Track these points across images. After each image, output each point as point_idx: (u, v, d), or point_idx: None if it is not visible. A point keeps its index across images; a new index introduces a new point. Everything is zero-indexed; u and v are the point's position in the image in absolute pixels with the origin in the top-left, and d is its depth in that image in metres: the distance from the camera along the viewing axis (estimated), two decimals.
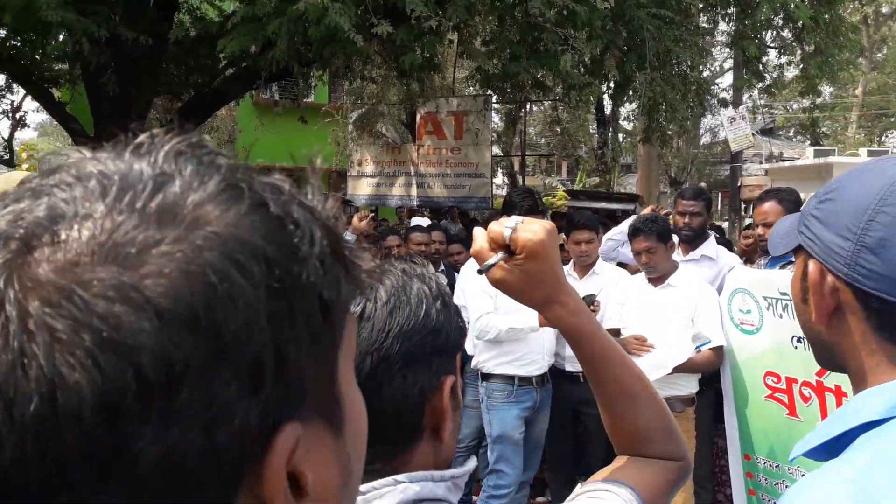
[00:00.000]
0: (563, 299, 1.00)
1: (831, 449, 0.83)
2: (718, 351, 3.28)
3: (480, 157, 11.62)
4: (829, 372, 2.63)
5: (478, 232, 1.02)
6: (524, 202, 3.63)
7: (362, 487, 0.80)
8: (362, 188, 12.27)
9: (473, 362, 3.81)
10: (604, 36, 6.56)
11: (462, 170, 11.68)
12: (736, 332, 3.19)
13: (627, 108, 14.56)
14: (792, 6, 7.29)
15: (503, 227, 0.98)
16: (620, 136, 17.33)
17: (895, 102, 28.78)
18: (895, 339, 0.84)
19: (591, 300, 3.54)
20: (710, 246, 4.03)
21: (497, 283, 0.99)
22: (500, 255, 0.97)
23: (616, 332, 3.63)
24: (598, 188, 14.86)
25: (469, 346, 3.81)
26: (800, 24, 7.45)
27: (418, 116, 11.94)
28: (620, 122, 16.75)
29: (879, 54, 30.29)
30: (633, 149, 17.60)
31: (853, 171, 0.91)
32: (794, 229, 0.94)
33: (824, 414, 2.67)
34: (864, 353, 0.86)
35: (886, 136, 33.38)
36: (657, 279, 3.56)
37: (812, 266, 0.88)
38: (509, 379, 3.66)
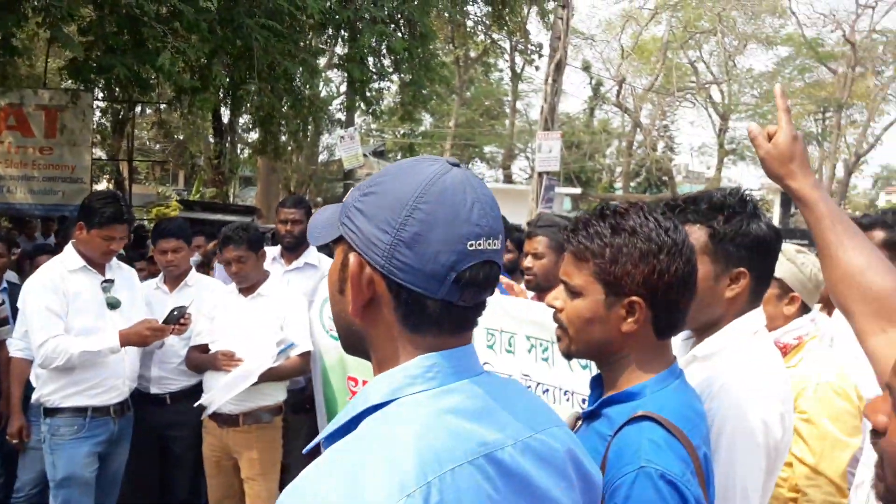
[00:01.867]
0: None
1: (346, 434, 0.85)
2: (305, 357, 3.33)
3: (78, 160, 10.31)
4: None
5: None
6: (106, 209, 3.24)
7: None
8: None
9: (35, 396, 3.24)
10: (212, 40, 6.33)
11: (54, 173, 10.21)
12: (326, 337, 3.29)
13: (244, 119, 14.42)
14: (393, 38, 8.01)
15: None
16: (240, 146, 17.08)
17: (478, 136, 33.99)
18: (415, 329, 0.90)
19: (181, 313, 3.31)
20: (312, 254, 4.12)
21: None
22: None
23: (204, 348, 3.45)
24: (215, 199, 14.38)
25: (31, 377, 3.25)
26: (397, 54, 8.20)
27: None
28: (240, 132, 16.49)
29: (468, 93, 35.37)
30: (252, 161, 17.47)
31: (396, 167, 0.93)
32: (336, 219, 0.94)
33: None
34: (388, 340, 0.91)
35: (472, 164, 39.12)
36: (247, 289, 3.47)
37: (352, 258, 0.90)
38: (80, 411, 3.19)
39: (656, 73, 30.03)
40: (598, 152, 34.13)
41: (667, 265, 1.22)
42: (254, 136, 15.02)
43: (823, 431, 1.97)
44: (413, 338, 0.90)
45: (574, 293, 1.29)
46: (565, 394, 2.09)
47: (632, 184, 36.05)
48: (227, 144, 13.46)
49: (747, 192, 1.58)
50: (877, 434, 0.78)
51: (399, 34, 8.22)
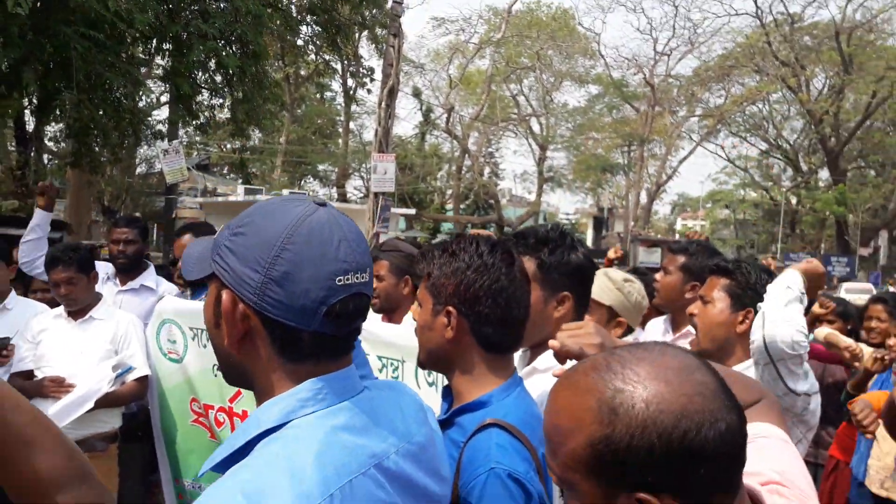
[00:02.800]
0: None
1: (238, 459, 0.89)
2: (143, 381, 3.20)
3: None
4: (239, 397, 2.84)
5: None
6: None
7: None
8: None
9: None
10: (21, 45, 5.83)
11: None
12: (164, 360, 3.17)
13: (54, 128, 13.24)
14: (224, 53, 7.81)
15: None
16: (46, 157, 15.64)
17: (311, 154, 33.65)
18: (293, 359, 0.95)
19: (3, 344, 3.05)
20: (150, 276, 3.97)
21: None
22: None
23: (29, 375, 3.20)
24: (17, 213, 13.04)
25: None
26: (230, 71, 8.01)
27: None
28: (46, 142, 15.11)
29: (299, 110, 34.97)
30: (60, 173, 16.07)
31: (264, 207, 0.99)
32: (208, 255, 0.99)
33: None
34: (268, 371, 0.96)
35: (305, 182, 38.62)
36: (77, 312, 3.28)
37: (225, 295, 0.95)
38: None
39: (482, 104, 31.61)
40: (429, 175, 35.18)
41: (473, 280, 1.42)
42: (64, 146, 13.84)
43: None
44: (292, 367, 0.95)
45: (420, 305, 1.51)
46: None
47: (461, 206, 37.43)
48: (31, 154, 12.28)
49: (566, 227, 1.83)
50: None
51: (230, 51, 8.05)
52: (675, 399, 0.77)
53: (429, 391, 2.15)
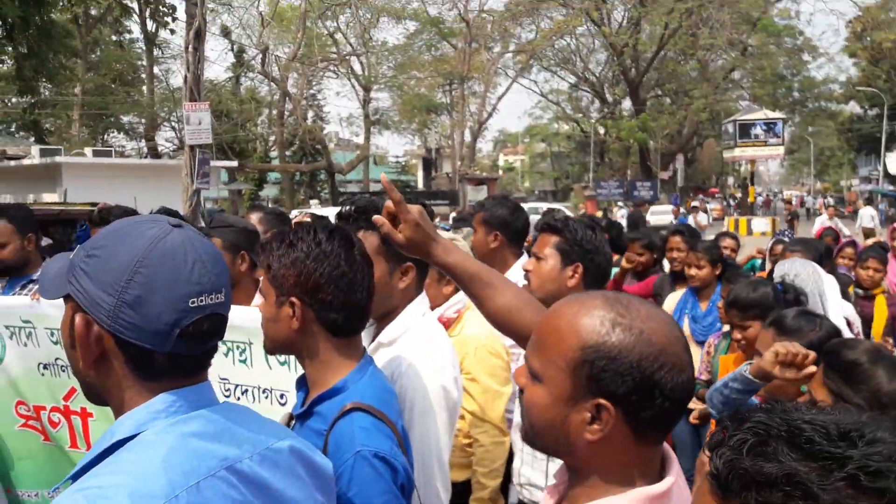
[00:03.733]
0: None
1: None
2: None
3: None
4: (75, 395, 2.66)
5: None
6: None
7: None
8: None
9: None
10: None
11: None
12: None
13: None
14: (3, 3, 6.86)
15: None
16: None
17: (113, 104, 30.68)
18: (146, 377, 0.99)
19: None
20: None
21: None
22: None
23: None
24: None
25: None
26: (10, 22, 7.06)
27: None
28: None
29: (94, 55, 31.62)
30: None
31: (118, 229, 1.01)
32: (65, 273, 1.01)
33: (73, 436, 2.67)
34: (123, 388, 1.00)
35: (109, 135, 35.34)
36: None
37: (79, 318, 0.97)
38: None
39: (298, 42, 30.37)
40: (249, 122, 33.52)
41: (313, 269, 1.43)
42: None
43: (485, 386, 2.42)
44: (147, 384, 0.99)
45: (262, 296, 1.52)
46: (263, 392, 2.19)
47: (287, 153, 36.26)
48: None
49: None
50: (521, 392, 1.08)
51: None
52: (662, 338, 0.97)
53: (281, 370, 2.14)
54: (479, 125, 39.66)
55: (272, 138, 36.60)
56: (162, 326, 0.95)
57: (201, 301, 0.98)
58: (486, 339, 2.48)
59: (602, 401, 0.96)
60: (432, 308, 2.14)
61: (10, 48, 7.71)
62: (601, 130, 40.94)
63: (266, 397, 2.19)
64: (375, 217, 1.51)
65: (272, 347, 1.55)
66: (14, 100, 26.11)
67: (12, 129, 29.85)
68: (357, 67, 35.62)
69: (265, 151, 36.66)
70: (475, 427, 2.44)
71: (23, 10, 6.93)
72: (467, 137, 38.75)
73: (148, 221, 1.02)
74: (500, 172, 59.73)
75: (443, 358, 1.79)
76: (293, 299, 1.44)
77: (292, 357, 2.21)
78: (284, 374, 2.12)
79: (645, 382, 0.95)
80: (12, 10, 6.69)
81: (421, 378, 1.69)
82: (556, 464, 1.12)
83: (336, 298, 1.45)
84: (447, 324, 2.43)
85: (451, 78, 36.25)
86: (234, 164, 24.58)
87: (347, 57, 34.64)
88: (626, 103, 39.45)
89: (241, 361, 2.22)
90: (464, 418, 2.42)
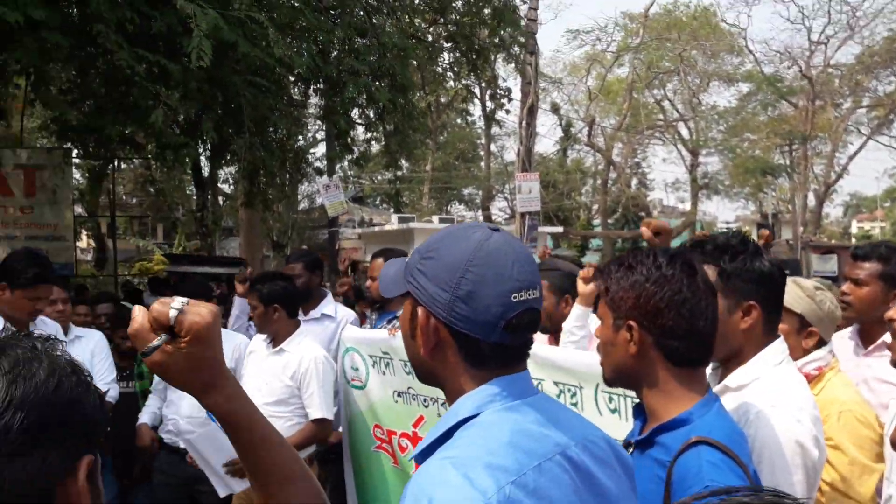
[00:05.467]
0: (221, 384, 1.00)
1: (441, 445, 1.05)
2: (320, 423, 3.26)
3: (60, 218, 10.23)
4: (422, 423, 2.89)
5: (138, 310, 0.97)
6: (28, 270, 3.05)
7: None
8: None
9: None
10: (199, 98, 6.44)
11: (36, 231, 10.13)
12: (349, 388, 3.30)
13: (226, 171, 14.47)
14: (373, 89, 8.18)
15: (168, 307, 0.95)
16: (220, 198, 17.12)
17: (455, 179, 34.38)
18: (475, 364, 1.10)
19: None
20: (329, 304, 4.17)
21: (155, 366, 0.96)
22: (163, 337, 0.94)
23: None
24: (199, 252, 14.34)
25: None
26: (381, 105, 8.37)
27: None
28: (219, 184, 16.55)
29: (442, 137, 35.89)
30: (233, 212, 17.49)
31: (448, 235, 1.13)
32: (401, 275, 1.16)
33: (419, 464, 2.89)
34: (457, 374, 1.12)
35: (452, 206, 39.48)
36: (273, 341, 3.44)
37: (420, 311, 1.11)
38: None
39: (624, 113, 30.74)
40: (574, 191, 34.67)
41: (653, 292, 1.39)
42: (234, 188, 15.07)
43: (852, 458, 2.06)
44: (476, 371, 1.10)
45: (601, 321, 1.50)
46: None
47: (609, 220, 36.54)
48: (208, 196, 13.49)
49: (748, 234, 1.73)
50: None
51: (379, 85, 8.42)
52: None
53: (611, 418, 2.08)
54: (826, 188, 35.47)
55: (595, 206, 37.24)
56: (490, 318, 1.05)
57: (521, 296, 1.07)
58: (853, 405, 2.12)
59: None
60: None
61: (381, 127, 9.08)
62: None
63: None
64: None
65: (609, 374, 1.50)
66: (379, 177, 30.88)
67: (377, 202, 35.12)
68: (684, 133, 34.78)
69: (588, 219, 37.40)
70: (834, 503, 2.07)
71: (392, 94, 8.17)
72: (811, 201, 34.93)
73: (472, 227, 1.14)
74: (852, 241, 52.41)
75: (801, 411, 1.56)
76: (631, 323, 1.40)
77: (623, 404, 2.13)
78: (614, 421, 2.04)
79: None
80: (384, 95, 7.92)
81: (773, 428, 1.50)
82: None
83: (677, 325, 1.38)
84: (806, 380, 2.14)
85: (790, 138, 33.30)
86: (559, 230, 25.50)
87: (674, 123, 34.06)
88: None
89: (571, 404, 2.21)
90: (820, 491, 2.07)
